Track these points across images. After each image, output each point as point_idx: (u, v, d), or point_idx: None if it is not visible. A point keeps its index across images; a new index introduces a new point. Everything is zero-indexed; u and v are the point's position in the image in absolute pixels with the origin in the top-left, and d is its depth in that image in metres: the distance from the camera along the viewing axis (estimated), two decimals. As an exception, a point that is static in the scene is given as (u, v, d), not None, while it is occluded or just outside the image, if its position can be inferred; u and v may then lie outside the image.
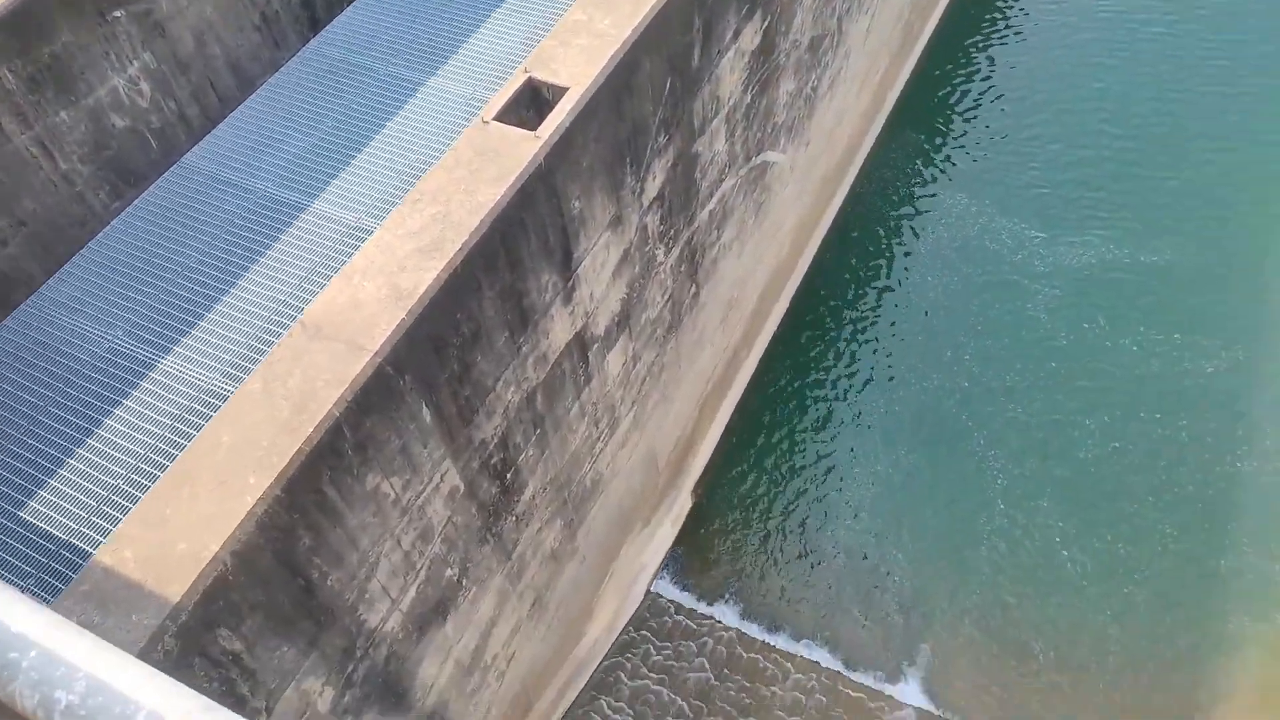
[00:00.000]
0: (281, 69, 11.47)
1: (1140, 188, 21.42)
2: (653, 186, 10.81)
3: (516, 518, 11.11)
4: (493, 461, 10.01)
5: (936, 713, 15.04)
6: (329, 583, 8.26)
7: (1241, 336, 19.06)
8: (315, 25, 12.65)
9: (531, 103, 9.08)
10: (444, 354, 8.47)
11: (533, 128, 8.57)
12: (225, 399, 8.28)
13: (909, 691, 15.23)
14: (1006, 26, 25.53)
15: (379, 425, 8.08)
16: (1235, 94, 22.78)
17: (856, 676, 15.41)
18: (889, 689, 15.26)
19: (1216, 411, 18.16)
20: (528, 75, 8.88)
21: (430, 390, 8.49)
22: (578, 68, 8.87)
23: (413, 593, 9.56)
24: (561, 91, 8.72)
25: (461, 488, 9.66)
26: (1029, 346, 19.27)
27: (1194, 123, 22.48)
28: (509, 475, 10.52)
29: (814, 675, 15.41)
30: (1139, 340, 19.09)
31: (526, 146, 8.34)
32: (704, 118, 11.73)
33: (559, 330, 10.13)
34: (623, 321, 11.59)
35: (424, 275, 8.06)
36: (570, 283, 9.88)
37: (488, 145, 8.58)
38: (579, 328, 10.51)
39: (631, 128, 10.00)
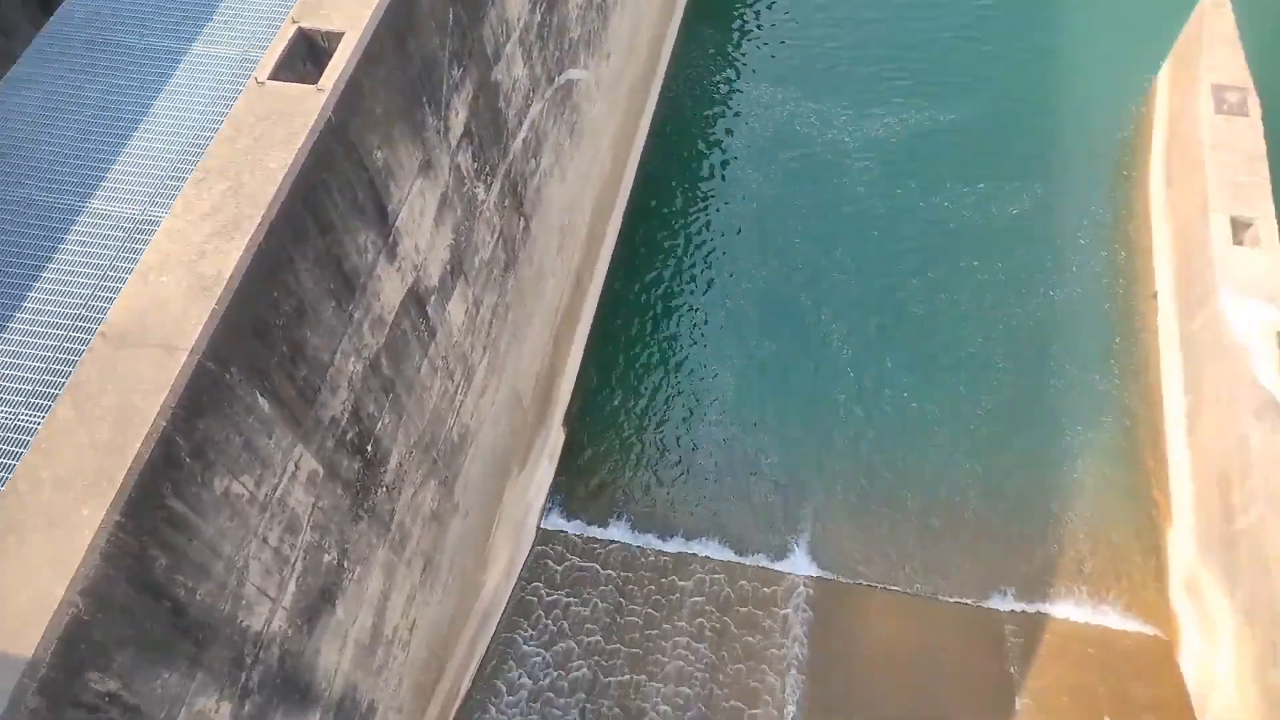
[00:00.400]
0: (19, 60, 10.24)
1: (934, 55, 22.34)
2: (458, 124, 10.39)
3: (387, 488, 10.81)
4: (348, 437, 9.64)
5: (828, 577, 15.92)
6: (198, 598, 7.82)
7: (1039, 177, 20.47)
8: (47, 6, 11.35)
9: (308, 55, 8.48)
10: (269, 337, 7.99)
11: (314, 81, 8.02)
12: (33, 432, 7.56)
13: (799, 563, 16.04)
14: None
15: (214, 426, 7.59)
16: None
17: (750, 561, 16.07)
18: (781, 565, 16.02)
19: (1026, 248, 19.56)
20: (297, 26, 8.25)
21: (262, 378, 8.02)
22: (350, 9, 8.31)
23: (293, 587, 9.20)
24: (337, 38, 8.17)
25: (320, 471, 9.27)
26: (851, 220, 20.08)
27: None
28: (369, 447, 10.17)
29: (711, 570, 15.96)
30: (949, 196, 20.20)
31: (311, 102, 7.80)
32: (497, 44, 11.30)
33: (390, 289, 9.73)
34: (456, 268, 11.24)
35: (227, 258, 7.52)
36: (391, 238, 9.45)
37: (268, 107, 7.98)
38: (411, 283, 10.13)
39: (421, 65, 9.51)
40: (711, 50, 22.98)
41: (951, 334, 18.56)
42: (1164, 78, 21.09)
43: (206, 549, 7.83)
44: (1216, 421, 15.53)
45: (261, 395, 8.09)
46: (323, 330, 8.68)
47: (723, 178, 20.87)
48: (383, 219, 9.18)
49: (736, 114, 21.81)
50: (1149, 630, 15.48)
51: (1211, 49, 18.61)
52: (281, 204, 7.76)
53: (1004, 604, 15.68)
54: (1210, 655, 14.59)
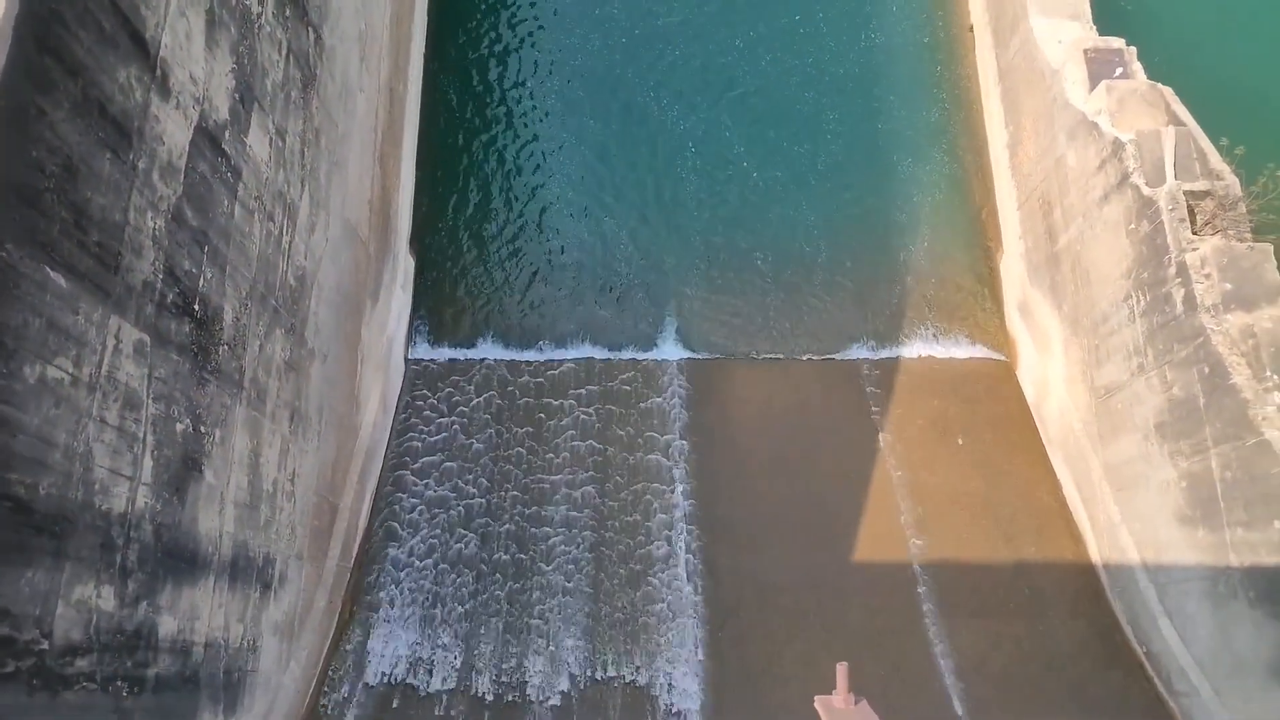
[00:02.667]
0: None
1: None
2: (206, -74, 9.06)
3: (229, 345, 10.24)
4: (169, 300, 8.94)
5: (698, 356, 16.41)
6: (43, 492, 7.37)
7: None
8: None
9: None
10: (41, 203, 7.11)
11: (7, -111, 6.70)
12: None
13: (668, 349, 16.41)
14: None
15: (5, 311, 6.85)
16: None
17: (622, 355, 16.34)
18: (652, 355, 16.37)
19: (847, -5, 19.28)
20: None
21: (47, 249, 7.21)
22: None
23: (149, 461, 8.79)
24: None
25: (147, 340, 8.64)
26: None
27: None
28: (196, 306, 9.51)
29: (585, 371, 16.19)
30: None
31: (8, -85, 6.56)
32: None
33: (173, 130, 8.75)
34: (246, 96, 10.17)
35: (-38, 119, 6.51)
36: (159, 70, 8.38)
37: (-41, -71, 6.67)
38: (196, 120, 9.13)
39: None
40: None
41: (779, 96, 18.45)
42: None
43: (36, 442, 7.29)
44: (1035, 149, 16.26)
45: (52, 269, 7.31)
46: (104, 187, 7.79)
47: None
48: (142, 50, 8.08)
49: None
50: (992, 355, 16.79)
51: None
52: (11, 49, 6.67)
53: (861, 352, 16.61)
54: (1044, 368, 16.04)
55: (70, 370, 7.60)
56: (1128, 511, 13.84)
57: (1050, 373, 15.84)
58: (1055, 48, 15.53)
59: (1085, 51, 14.87)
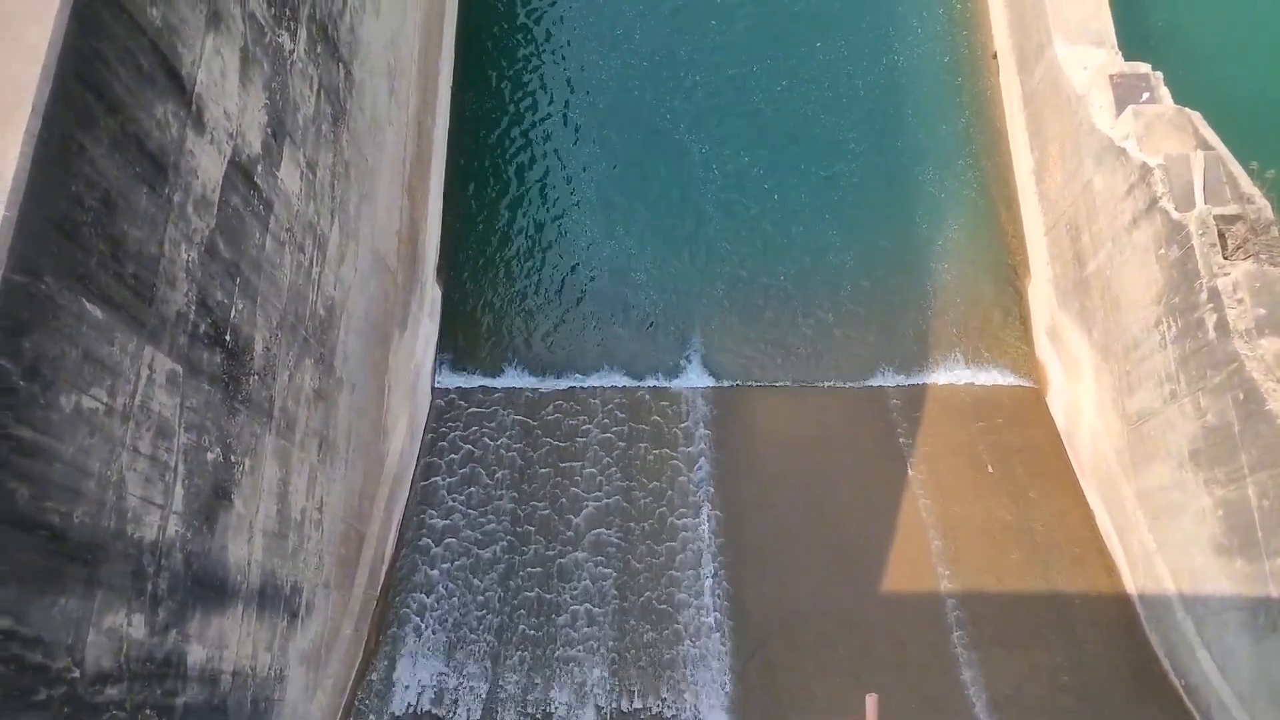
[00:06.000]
0: None
1: None
2: (241, -34, 9.30)
3: (259, 375, 10.36)
4: (201, 330, 9.08)
5: (722, 384, 16.37)
6: (76, 520, 7.46)
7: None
8: None
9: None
10: (80, 236, 7.27)
11: (52, -66, 6.93)
12: None
13: (693, 376, 16.41)
14: None
15: (43, 342, 6.98)
16: None
17: (647, 383, 16.34)
18: (677, 383, 16.37)
19: (868, 18, 19.34)
20: None
21: (85, 282, 7.36)
22: None
23: (180, 490, 8.88)
24: (66, -123, 7.00)
25: (180, 370, 8.76)
26: (687, 11, 19.42)
27: None
28: (228, 337, 9.64)
29: (611, 399, 16.20)
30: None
31: (53, -41, 6.77)
32: None
33: (207, 164, 8.93)
34: (278, 130, 10.37)
35: (5, 158, 6.68)
36: (194, 106, 8.57)
37: (4, -27, 6.90)
38: (230, 153, 9.31)
39: (182, -99, 8.34)
40: None
41: (798, 122, 18.51)
42: None
43: (71, 471, 7.39)
44: (1061, 174, 16.19)
45: (89, 301, 7.45)
46: (141, 221, 7.95)
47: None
48: (179, 86, 8.27)
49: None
50: (1021, 382, 16.63)
51: None
52: (54, 84, 6.86)
53: (888, 379, 16.52)
54: (1074, 394, 15.86)
55: (105, 400, 7.72)
56: (1163, 540, 13.58)
57: (1081, 399, 15.66)
58: (1081, 73, 15.50)
59: (1111, 77, 14.84)
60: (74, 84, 7.03)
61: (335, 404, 12.64)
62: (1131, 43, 16.13)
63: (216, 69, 8.86)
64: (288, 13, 10.39)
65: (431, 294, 16.84)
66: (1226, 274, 12.37)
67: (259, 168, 9.92)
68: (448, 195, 17.85)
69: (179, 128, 8.33)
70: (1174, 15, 18.78)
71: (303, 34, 10.78)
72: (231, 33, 9.12)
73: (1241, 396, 11.83)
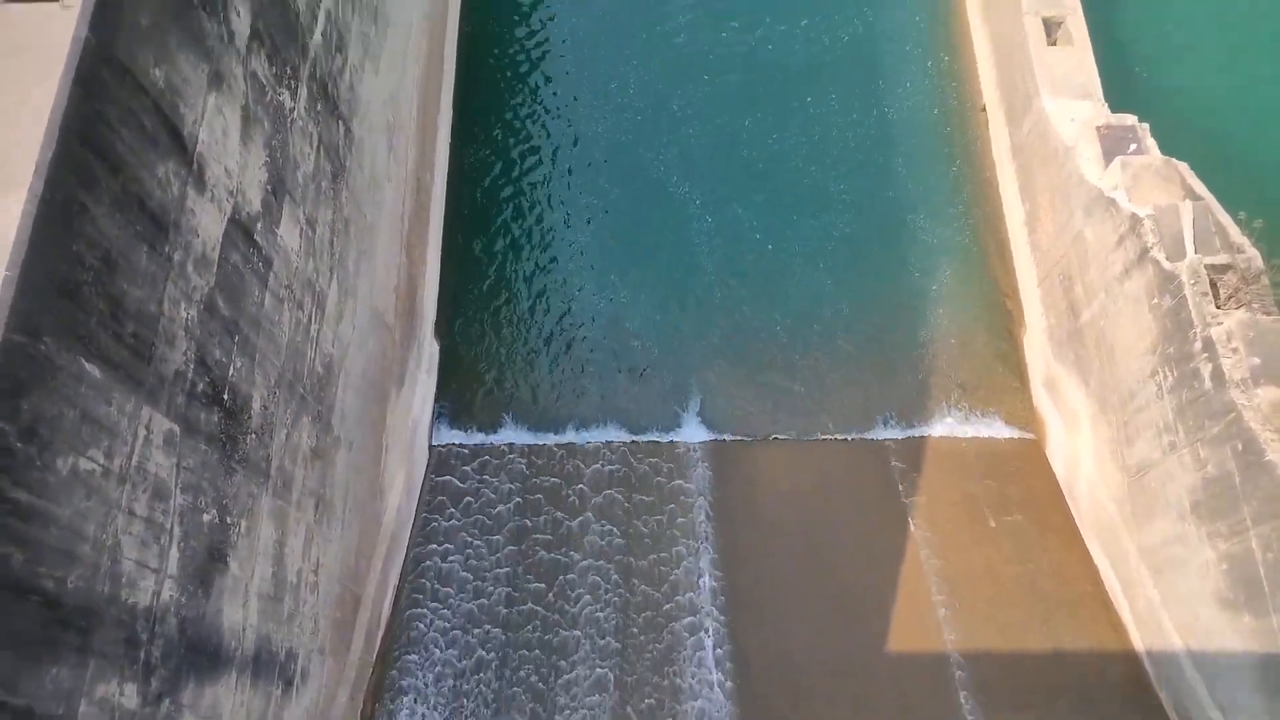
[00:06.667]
0: None
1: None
2: (242, 25, 9.38)
3: (256, 434, 10.23)
4: (199, 389, 8.98)
5: (720, 437, 16.28)
6: (70, 585, 7.27)
7: (864, 2, 20.39)
8: None
9: (45, -32, 7.36)
10: (80, 296, 7.21)
11: (60, -2, 7.00)
12: None
13: (691, 430, 16.33)
14: None
15: (41, 403, 6.87)
16: None
17: (645, 438, 16.24)
18: (675, 436, 16.28)
19: (858, 70, 19.72)
20: (24, -65, 7.12)
21: (84, 341, 7.28)
22: (83, -92, 7.21)
23: (175, 554, 8.69)
24: (76, -57, 7.10)
25: (177, 430, 8.64)
26: (679, 64, 19.75)
27: None
28: (226, 395, 9.53)
29: (610, 454, 16.07)
30: (774, 34, 19.98)
31: (59, 23, 6.82)
32: (272, -67, 10.15)
33: (208, 222, 8.92)
34: (278, 188, 10.39)
35: (7, 218, 6.65)
36: (195, 165, 8.58)
37: (12, 37, 6.94)
38: (230, 211, 9.31)
39: (188, -34, 8.45)
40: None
41: (790, 171, 18.73)
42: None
43: (66, 534, 7.23)
44: (1053, 224, 16.37)
45: (88, 360, 7.36)
46: (141, 279, 7.90)
47: (548, 38, 20.12)
48: (180, 145, 8.29)
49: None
50: (1020, 433, 16.60)
51: None
52: (57, 146, 6.86)
53: (887, 432, 16.47)
54: (1073, 445, 15.82)
55: (102, 461, 7.59)
56: (1168, 595, 13.42)
57: (1080, 451, 15.61)
58: (1068, 125, 15.76)
59: (1098, 129, 15.09)
60: (77, 145, 7.03)
61: (332, 463, 12.49)
62: (1117, 93, 16.44)
63: (218, 127, 8.90)
64: (289, 71, 10.48)
65: (429, 350, 16.78)
66: (1220, 323, 12.43)
67: (259, 225, 9.92)
68: (446, 248, 17.90)
69: (180, 186, 8.33)
70: (1157, 67, 19.17)
71: (303, 92, 10.87)
72: (233, 92, 9.18)
73: (1240, 447, 11.80)
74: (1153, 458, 13.62)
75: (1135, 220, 13.68)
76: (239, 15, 9.16)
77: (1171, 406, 13.14)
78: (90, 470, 7.43)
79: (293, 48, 10.54)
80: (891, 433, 16.47)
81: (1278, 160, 17.91)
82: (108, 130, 7.40)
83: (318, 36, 11.21)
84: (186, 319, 8.69)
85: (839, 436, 16.41)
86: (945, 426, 16.47)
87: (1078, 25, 16.68)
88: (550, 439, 16.29)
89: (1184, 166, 14.10)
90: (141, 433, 8.10)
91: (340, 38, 12.14)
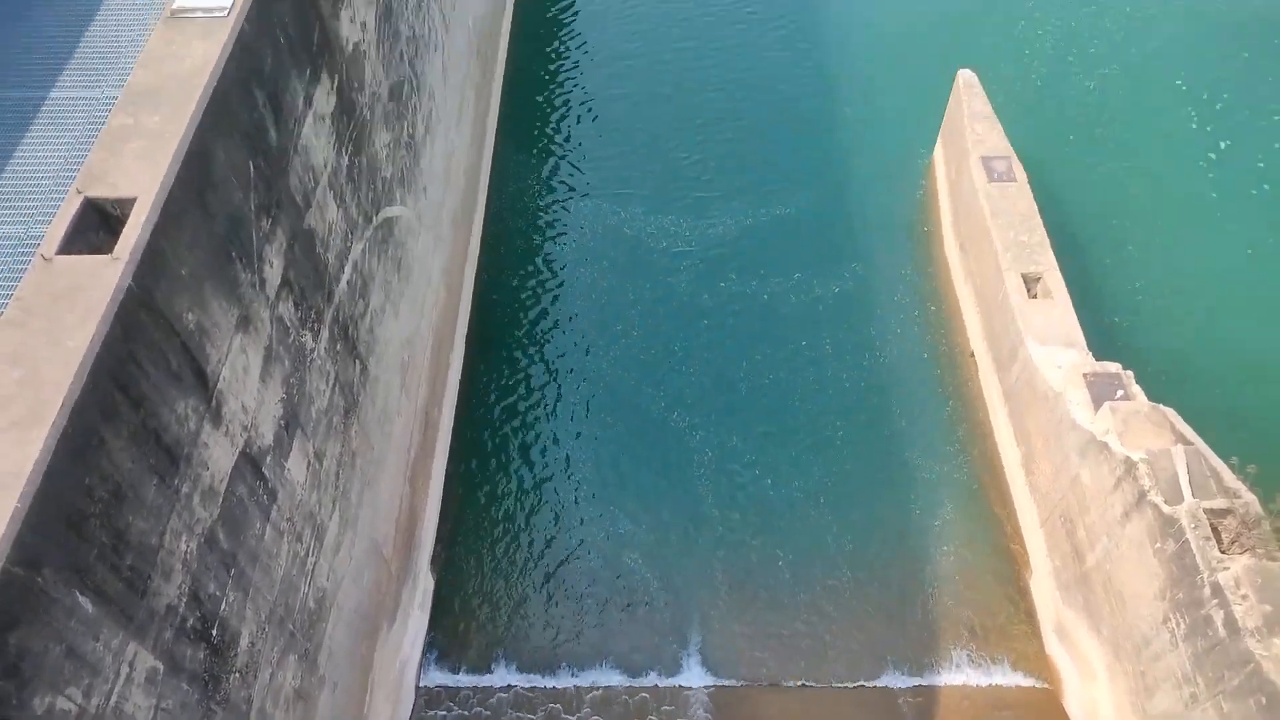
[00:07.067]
0: None
1: (729, 166, 23.63)
2: (274, 274, 10.08)
3: (240, 673, 9.89)
4: (189, 624, 8.80)
5: (724, 684, 15.61)
6: (22, 842, 6.77)
7: (852, 256, 21.81)
8: None
9: (100, 224, 8.07)
10: (85, 528, 7.27)
11: (109, 251, 7.61)
12: None
13: (693, 675, 15.69)
14: (572, 27, 27.23)
15: (28, 638, 6.75)
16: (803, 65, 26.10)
17: (643, 682, 15.58)
18: (676, 680, 15.62)
19: (850, 318, 20.71)
20: (83, 195, 7.86)
21: (81, 575, 7.25)
22: (140, 175, 8.01)
23: (140, 806, 8.14)
24: (129, 204, 7.82)
25: (160, 668, 8.39)
26: (681, 313, 20.82)
27: (771, 94, 25.35)
28: (214, 632, 9.32)
29: (605, 697, 15.35)
30: (771, 285, 21.25)
31: (107, 273, 7.38)
32: (306, 190, 11.15)
33: (218, 455, 9.13)
34: (291, 422, 10.71)
35: (27, 451, 6.86)
36: (214, 401, 8.92)
37: (60, 284, 7.49)
38: (242, 445, 9.55)
39: (227, 221, 9.23)
40: (526, 171, 23.75)
41: (793, 412, 19.25)
42: (939, 153, 23.20)
43: (28, 782, 6.84)
44: (1049, 466, 16.56)
45: (82, 594, 7.30)
46: (146, 512, 7.99)
47: (559, 287, 21.31)
48: (202, 383, 8.67)
49: (563, 227, 22.51)
50: (1033, 681, 15.93)
51: (973, 125, 20.71)
52: (85, 385, 7.20)
53: (895, 680, 15.83)
54: (1090, 696, 15.12)
55: (79, 701, 7.32)
56: None
57: (1099, 701, 14.88)
58: (1055, 372, 16.34)
59: (1085, 375, 15.63)
60: (105, 382, 7.37)
61: (315, 704, 11.94)
62: (1099, 340, 17.17)
63: (240, 365, 9.33)
64: (313, 315, 11.12)
65: (424, 584, 16.48)
66: (1226, 568, 12.28)
67: (268, 459, 10.13)
68: (448, 483, 18.04)
69: (197, 421, 8.62)
70: (1135, 319, 20.14)
71: (325, 334, 11.46)
72: (259, 333, 9.71)
73: (1264, 700, 11.30)
74: (1175, 710, 12.97)
75: (1130, 464, 13.86)
76: (272, 266, 9.88)
77: (1188, 655, 12.70)
78: (66, 710, 7.15)
79: (319, 294, 11.25)
80: (901, 680, 15.80)
81: (1259, 409, 18.39)
82: (136, 369, 7.78)
83: (344, 284, 12.00)
84: (185, 552, 8.68)
85: (849, 685, 15.72)
86: (956, 674, 15.82)
87: (1055, 280, 17.71)
88: (544, 682, 15.62)
89: (1171, 412, 14.48)
90: (124, 670, 7.87)
91: (365, 285, 12.98)
